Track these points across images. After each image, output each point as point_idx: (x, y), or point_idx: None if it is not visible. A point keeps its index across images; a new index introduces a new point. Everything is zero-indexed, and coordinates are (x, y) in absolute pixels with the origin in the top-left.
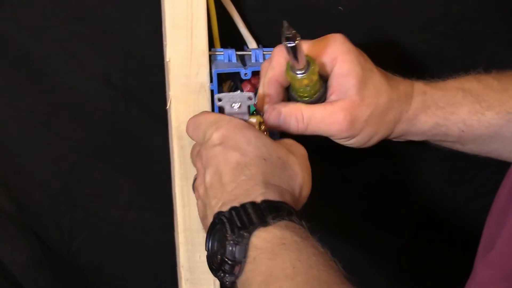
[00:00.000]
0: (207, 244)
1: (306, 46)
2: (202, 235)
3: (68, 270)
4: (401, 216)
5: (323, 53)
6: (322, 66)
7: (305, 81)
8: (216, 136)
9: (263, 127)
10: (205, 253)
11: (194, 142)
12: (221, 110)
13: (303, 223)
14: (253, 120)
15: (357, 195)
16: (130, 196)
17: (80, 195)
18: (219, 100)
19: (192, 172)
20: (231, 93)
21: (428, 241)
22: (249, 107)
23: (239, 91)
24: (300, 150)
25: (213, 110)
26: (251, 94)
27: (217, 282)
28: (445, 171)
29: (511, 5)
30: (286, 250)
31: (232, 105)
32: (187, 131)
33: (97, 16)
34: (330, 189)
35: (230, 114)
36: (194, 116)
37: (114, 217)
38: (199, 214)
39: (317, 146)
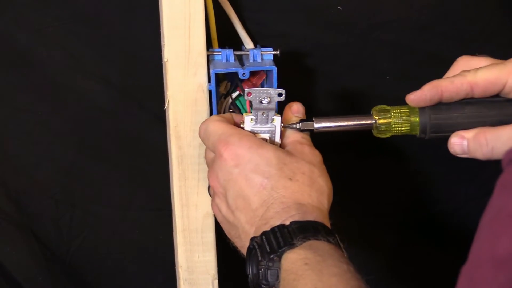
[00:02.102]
0: (247, 269)
1: (489, 70)
2: (201, 235)
3: (67, 270)
4: (400, 216)
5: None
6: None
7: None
8: (228, 156)
9: (282, 124)
10: (203, 253)
11: (192, 143)
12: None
13: (331, 237)
14: (278, 117)
15: (357, 194)
16: (130, 196)
17: (80, 195)
18: (248, 94)
19: (190, 172)
20: (261, 88)
21: (427, 241)
22: (277, 103)
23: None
24: (317, 157)
25: (211, 109)
26: (282, 90)
27: (216, 283)
28: (445, 171)
29: (511, 5)
30: (309, 270)
31: (261, 101)
32: (199, 134)
33: (97, 16)
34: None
35: (258, 110)
36: (205, 123)
37: (114, 217)
38: (225, 231)
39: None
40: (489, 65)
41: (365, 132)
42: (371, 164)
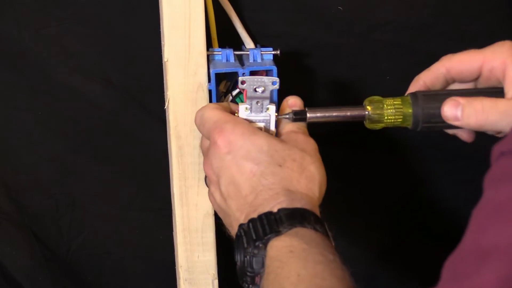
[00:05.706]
0: (236, 257)
1: (464, 53)
2: (201, 235)
3: (67, 270)
4: (400, 216)
5: (492, 58)
6: (492, 70)
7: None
8: (221, 142)
9: (276, 114)
10: (203, 253)
11: (192, 143)
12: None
13: (319, 225)
14: (273, 106)
15: (356, 194)
16: (130, 196)
17: (80, 195)
18: (242, 83)
19: (190, 172)
20: (255, 77)
21: (427, 241)
22: (272, 92)
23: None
24: (311, 145)
25: None
26: (276, 78)
27: (216, 282)
28: (445, 171)
29: (511, 5)
30: (294, 258)
31: (256, 89)
32: (195, 121)
33: (97, 16)
34: (328, 187)
35: (252, 98)
36: (201, 110)
37: (114, 217)
38: (222, 220)
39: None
40: (466, 50)
41: (369, 130)
42: (371, 164)
